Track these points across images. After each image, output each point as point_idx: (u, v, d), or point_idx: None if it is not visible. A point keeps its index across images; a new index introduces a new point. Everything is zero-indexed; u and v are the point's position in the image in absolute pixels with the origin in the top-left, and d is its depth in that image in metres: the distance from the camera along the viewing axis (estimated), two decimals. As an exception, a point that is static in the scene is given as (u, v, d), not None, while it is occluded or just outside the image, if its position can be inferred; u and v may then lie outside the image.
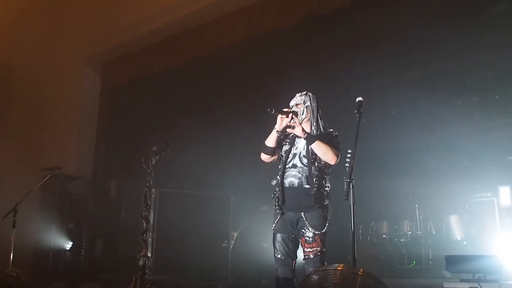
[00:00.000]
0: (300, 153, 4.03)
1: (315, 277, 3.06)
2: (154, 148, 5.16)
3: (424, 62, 7.34)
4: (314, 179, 3.90)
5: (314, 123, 4.06)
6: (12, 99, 10.11)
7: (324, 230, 3.93)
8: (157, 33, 8.52)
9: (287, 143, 4.12)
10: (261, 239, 7.79)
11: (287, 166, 4.02)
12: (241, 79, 8.12)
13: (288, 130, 4.05)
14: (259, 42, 7.74)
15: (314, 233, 3.87)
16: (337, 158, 3.92)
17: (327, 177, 4.02)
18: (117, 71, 9.41)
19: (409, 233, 7.30)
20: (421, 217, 7.28)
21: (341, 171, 3.63)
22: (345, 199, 3.38)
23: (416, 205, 7.31)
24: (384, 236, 7.52)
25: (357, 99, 3.74)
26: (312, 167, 3.93)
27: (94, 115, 9.42)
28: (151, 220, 5.18)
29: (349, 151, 3.54)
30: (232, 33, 7.93)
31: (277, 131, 4.04)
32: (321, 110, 4.13)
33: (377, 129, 6.82)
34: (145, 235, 4.99)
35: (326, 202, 3.98)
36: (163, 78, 8.69)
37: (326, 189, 3.97)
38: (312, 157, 3.95)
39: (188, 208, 7.56)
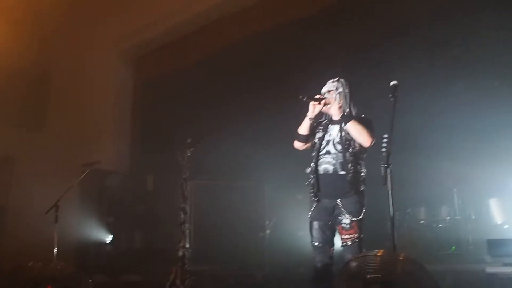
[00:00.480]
0: (334, 139, 4.01)
1: (354, 263, 3.05)
2: (189, 141, 5.23)
3: (461, 43, 7.15)
4: (349, 165, 3.90)
5: (347, 109, 4.05)
6: (49, 97, 10.33)
7: (361, 217, 3.92)
8: (187, 25, 8.55)
9: (320, 130, 4.12)
10: (297, 227, 7.80)
11: (321, 153, 4.03)
12: (273, 67, 8.09)
13: (323, 110, 4.05)
14: (288, 29, 7.70)
15: (351, 219, 3.86)
16: (372, 140, 3.90)
17: (362, 163, 4.01)
18: (150, 65, 9.51)
19: (448, 218, 7.17)
20: (460, 201, 7.14)
21: (377, 157, 3.60)
22: (383, 184, 3.35)
23: (455, 189, 7.17)
24: (421, 221, 7.41)
25: (392, 83, 3.68)
26: (347, 153, 3.92)
27: (128, 110, 9.55)
28: (188, 212, 5.25)
29: (385, 136, 3.49)
30: (261, 21, 7.91)
31: (310, 118, 4.05)
32: (354, 96, 4.13)
33: (413, 113, 6.70)
34: (183, 226, 5.07)
35: (362, 188, 3.97)
36: (195, 69, 8.73)
37: (361, 175, 3.96)
38: (346, 143, 3.94)
39: (223, 199, 7.62)
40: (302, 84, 8.10)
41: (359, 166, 3.95)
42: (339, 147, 3.95)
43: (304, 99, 3.98)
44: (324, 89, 4.13)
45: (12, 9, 8.21)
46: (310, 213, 4.03)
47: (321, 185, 3.96)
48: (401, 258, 2.94)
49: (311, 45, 7.80)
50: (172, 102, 8.88)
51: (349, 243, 3.88)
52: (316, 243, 3.99)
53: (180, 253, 5.02)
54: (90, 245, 8.22)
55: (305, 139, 4.12)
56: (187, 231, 5.12)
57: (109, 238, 8.40)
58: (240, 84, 8.33)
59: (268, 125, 8.04)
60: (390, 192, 3.36)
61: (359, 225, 3.89)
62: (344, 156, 3.91)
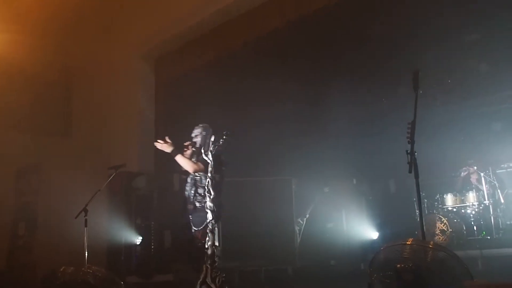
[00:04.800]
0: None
1: (384, 253, 3.01)
2: (212, 139, 5.23)
3: (482, 27, 7.00)
4: (191, 189, 5.40)
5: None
6: (74, 103, 10.46)
7: (202, 227, 5.20)
8: (207, 23, 8.52)
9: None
10: (326, 220, 7.77)
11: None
12: (294, 62, 8.05)
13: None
14: (307, 24, 7.63)
15: (195, 230, 5.31)
16: (193, 170, 5.34)
17: (200, 187, 5.29)
18: (170, 65, 9.53)
19: (476, 203, 7.06)
20: (487, 186, 7.02)
21: (402, 146, 3.55)
22: (409, 172, 3.30)
23: (482, 174, 7.05)
24: (450, 208, 7.31)
25: (413, 71, 3.64)
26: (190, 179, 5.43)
27: (151, 111, 9.62)
28: (215, 210, 5.25)
29: (409, 123, 3.44)
30: (278, 18, 7.82)
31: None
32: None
33: (436, 99, 6.61)
34: (211, 224, 5.08)
35: (198, 205, 5.26)
36: (215, 67, 8.72)
37: (198, 194, 5.30)
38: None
39: (250, 195, 7.63)
40: (322, 79, 8.11)
41: (199, 190, 5.27)
42: (191, 177, 5.37)
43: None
44: (192, 134, 5.51)
45: (34, 15, 8.34)
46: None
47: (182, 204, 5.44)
48: (431, 246, 2.90)
49: (328, 40, 7.73)
50: (194, 100, 8.89)
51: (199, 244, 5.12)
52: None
53: (210, 251, 5.02)
54: (120, 247, 8.29)
55: (184, 172, 5.40)
56: (216, 229, 5.13)
57: (139, 240, 8.47)
58: (263, 80, 8.29)
59: (293, 120, 8.02)
60: (416, 180, 3.31)
61: (201, 233, 5.13)
62: (190, 184, 5.38)
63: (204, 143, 5.41)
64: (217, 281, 4.95)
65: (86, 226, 5.93)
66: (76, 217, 5.90)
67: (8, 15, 8.10)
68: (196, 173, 5.33)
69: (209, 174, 5.22)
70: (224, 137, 5.23)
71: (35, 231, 9.08)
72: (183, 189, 5.57)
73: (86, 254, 5.91)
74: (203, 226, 5.12)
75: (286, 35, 7.89)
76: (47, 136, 9.64)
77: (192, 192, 5.32)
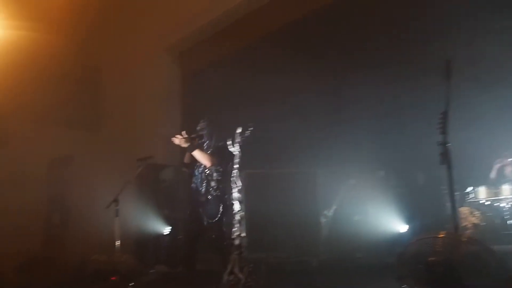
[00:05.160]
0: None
1: (415, 246, 2.98)
2: (239, 130, 5.24)
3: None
4: (204, 182, 5.44)
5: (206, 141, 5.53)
6: (101, 95, 10.65)
7: (217, 218, 5.35)
8: (231, 14, 8.53)
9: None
10: (353, 212, 7.72)
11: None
12: (319, 53, 7.99)
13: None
14: (331, 14, 7.55)
15: (208, 221, 5.35)
16: (211, 163, 5.38)
17: (214, 179, 5.36)
18: (195, 57, 9.58)
19: (511, 196, 6.90)
20: (522, 178, 6.85)
21: (433, 137, 3.50)
22: (441, 164, 3.25)
23: (517, 166, 6.89)
24: (483, 201, 7.17)
25: (446, 60, 3.57)
26: (202, 174, 5.46)
27: (177, 104, 9.70)
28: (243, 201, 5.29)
29: (441, 114, 3.39)
30: (303, 8, 7.77)
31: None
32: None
33: (469, 87, 6.45)
34: (238, 215, 5.11)
35: (210, 197, 5.35)
36: (239, 58, 8.72)
37: (212, 187, 5.37)
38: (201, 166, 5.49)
39: (275, 187, 7.61)
40: (348, 68, 8.02)
41: (212, 183, 5.33)
42: (200, 170, 5.42)
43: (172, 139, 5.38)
44: (198, 127, 5.54)
45: (63, 14, 8.49)
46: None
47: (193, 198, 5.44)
48: (464, 239, 2.85)
49: (352, 28, 7.63)
50: (219, 92, 8.93)
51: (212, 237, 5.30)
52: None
53: (237, 242, 5.06)
54: (149, 237, 8.41)
55: (186, 166, 5.56)
56: (243, 220, 5.16)
57: (166, 230, 8.57)
58: (287, 72, 8.26)
59: (318, 111, 7.96)
60: (449, 171, 3.25)
61: (216, 225, 5.24)
62: (201, 177, 5.40)
63: (211, 136, 5.50)
64: (244, 272, 4.98)
65: (117, 216, 6.05)
66: (107, 207, 6.02)
67: (38, 15, 8.27)
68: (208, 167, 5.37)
69: (236, 165, 5.25)
70: (250, 128, 5.25)
71: (68, 221, 9.33)
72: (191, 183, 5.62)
73: (117, 243, 6.01)
74: (217, 218, 5.25)
75: (309, 25, 7.83)
76: (77, 129, 9.85)
77: (204, 185, 5.37)
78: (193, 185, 5.50)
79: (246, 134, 5.22)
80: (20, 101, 8.63)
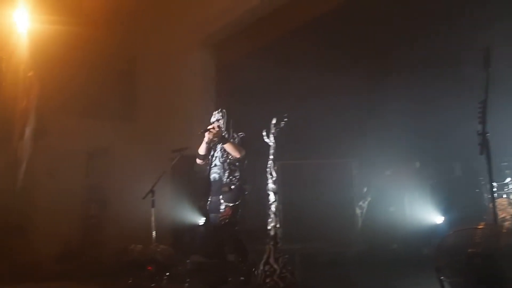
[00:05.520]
0: (218, 156, 5.55)
1: (454, 237, 2.95)
2: (274, 121, 5.27)
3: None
4: (226, 173, 5.47)
5: (226, 133, 5.48)
6: (137, 87, 10.80)
7: (232, 204, 5.34)
8: (266, 6, 8.47)
9: (212, 150, 5.57)
10: (388, 203, 7.66)
11: (212, 166, 5.55)
12: (355, 44, 7.90)
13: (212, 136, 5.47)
14: (369, 3, 7.45)
15: (226, 205, 5.35)
16: (241, 153, 5.39)
17: (238, 169, 5.44)
18: (230, 49, 9.60)
19: (554, 186, 6.70)
20: None
21: (470, 126, 3.44)
22: (480, 154, 3.19)
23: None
24: (523, 192, 6.98)
25: (485, 47, 3.49)
26: (225, 164, 5.45)
27: (212, 95, 9.75)
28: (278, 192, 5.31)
29: (479, 103, 3.32)
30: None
31: (206, 142, 5.47)
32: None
33: (509, 74, 6.27)
34: (274, 206, 5.14)
35: (233, 187, 5.37)
36: (274, 50, 8.68)
37: (236, 177, 5.41)
38: (223, 157, 5.48)
39: (310, 177, 7.63)
40: (385, 58, 7.91)
41: (235, 172, 5.38)
42: (221, 160, 5.41)
43: (200, 132, 5.39)
44: (212, 119, 5.52)
45: (100, 8, 8.63)
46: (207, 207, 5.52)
47: (212, 188, 5.45)
48: (504, 231, 2.80)
49: (388, 19, 7.51)
50: (254, 84, 8.93)
51: (223, 222, 5.25)
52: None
53: (272, 233, 5.10)
54: (184, 227, 8.52)
55: (203, 157, 5.56)
56: (278, 210, 5.19)
57: (201, 221, 8.66)
58: (323, 62, 8.19)
59: (354, 101, 7.90)
60: (488, 162, 3.19)
61: (232, 210, 5.27)
62: (223, 167, 5.39)
63: (228, 126, 5.51)
64: (279, 262, 5.02)
65: (153, 206, 6.16)
66: (143, 198, 6.12)
67: (76, 9, 8.44)
68: (230, 157, 5.39)
69: (271, 157, 5.29)
70: (285, 119, 5.26)
71: (105, 211, 9.53)
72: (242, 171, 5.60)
73: (154, 233, 6.12)
74: (235, 203, 5.31)
75: (347, 15, 7.73)
76: (114, 120, 10.03)
77: (226, 175, 5.38)
78: (214, 175, 5.49)
79: (280, 125, 5.24)
80: (58, 93, 8.81)
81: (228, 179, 5.35)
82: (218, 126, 5.43)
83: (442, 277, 3.09)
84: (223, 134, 5.43)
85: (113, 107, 9.98)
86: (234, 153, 5.35)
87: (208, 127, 5.41)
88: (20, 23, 8.34)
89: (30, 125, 8.31)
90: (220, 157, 5.45)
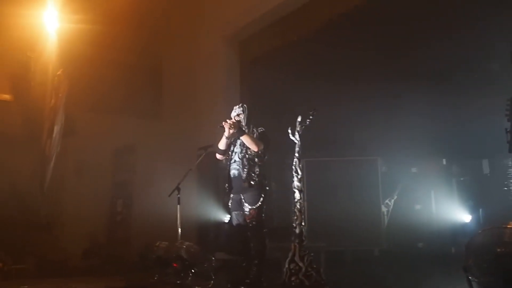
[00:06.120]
0: (238, 151, 5.40)
1: (482, 236, 2.91)
2: (299, 119, 5.26)
3: None
4: (245, 169, 5.27)
5: (245, 127, 5.39)
6: (163, 85, 10.90)
7: (256, 206, 5.21)
8: (291, 2, 8.44)
9: (232, 145, 5.46)
10: (414, 201, 7.59)
11: (231, 162, 5.41)
12: (380, 41, 7.81)
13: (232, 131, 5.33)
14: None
15: (249, 208, 5.22)
16: (259, 147, 5.26)
17: (257, 165, 5.27)
18: (254, 46, 9.60)
19: None
20: None
21: (498, 124, 3.39)
22: (509, 152, 3.14)
23: None
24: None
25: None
26: (244, 159, 5.28)
27: (236, 92, 9.77)
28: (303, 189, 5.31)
29: (508, 99, 3.27)
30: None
31: (226, 137, 5.35)
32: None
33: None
34: (299, 204, 5.14)
35: (254, 183, 5.22)
36: (301, 45, 8.64)
37: (256, 173, 5.27)
38: (243, 151, 5.33)
39: (335, 174, 7.59)
40: (410, 55, 7.81)
41: (255, 168, 5.24)
42: (240, 156, 5.29)
43: (219, 126, 5.27)
44: (233, 113, 5.46)
45: (123, 2, 8.74)
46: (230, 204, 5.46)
47: (233, 185, 5.35)
48: (535, 230, 2.76)
49: (414, 13, 7.40)
50: (279, 80, 8.91)
51: (251, 224, 5.16)
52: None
53: (298, 230, 5.10)
54: (210, 225, 8.57)
55: (223, 152, 5.45)
56: (303, 208, 5.19)
57: (227, 218, 8.71)
58: (348, 59, 8.13)
59: (380, 98, 7.82)
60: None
61: (256, 212, 5.15)
62: (243, 162, 5.25)
63: (248, 121, 5.42)
64: (305, 260, 5.03)
65: (179, 203, 6.21)
66: (169, 195, 6.18)
67: (104, 8, 8.56)
68: (249, 152, 5.26)
69: (296, 154, 5.28)
70: (311, 116, 5.25)
71: (131, 208, 9.66)
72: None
73: (180, 231, 6.18)
74: (258, 205, 5.16)
75: (371, 10, 7.65)
76: (140, 118, 10.15)
77: (246, 170, 5.21)
78: (234, 171, 5.34)
79: (306, 123, 5.24)
80: (86, 91, 8.95)
81: (247, 175, 5.20)
82: (237, 119, 5.35)
83: (470, 277, 3.06)
84: (242, 128, 5.33)
85: (140, 105, 10.09)
86: (252, 146, 5.22)
87: (227, 120, 5.32)
88: (49, 23, 8.49)
89: (59, 123, 8.44)
90: (240, 152, 5.32)
